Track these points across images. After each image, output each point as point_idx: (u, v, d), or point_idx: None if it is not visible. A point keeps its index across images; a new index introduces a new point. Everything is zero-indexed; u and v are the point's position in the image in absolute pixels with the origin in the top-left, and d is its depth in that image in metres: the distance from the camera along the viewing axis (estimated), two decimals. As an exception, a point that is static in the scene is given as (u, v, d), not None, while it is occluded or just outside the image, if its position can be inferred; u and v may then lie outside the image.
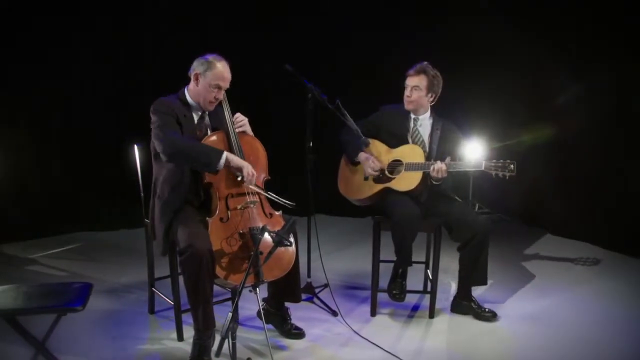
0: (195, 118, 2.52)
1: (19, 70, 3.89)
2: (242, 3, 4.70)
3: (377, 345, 2.59)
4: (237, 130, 2.52)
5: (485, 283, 2.95)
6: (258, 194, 2.49)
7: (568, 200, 4.43)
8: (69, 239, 4.18)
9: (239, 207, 2.40)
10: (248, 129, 2.60)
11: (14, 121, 3.87)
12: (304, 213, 3.22)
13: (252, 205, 2.43)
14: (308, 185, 3.07)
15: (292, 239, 2.43)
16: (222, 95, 2.49)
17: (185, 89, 2.52)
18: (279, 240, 2.18)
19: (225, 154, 2.31)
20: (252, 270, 2.14)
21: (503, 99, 4.80)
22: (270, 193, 2.46)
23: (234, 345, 2.09)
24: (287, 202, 2.41)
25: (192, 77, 2.47)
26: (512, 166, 2.68)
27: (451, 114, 4.79)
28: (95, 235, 4.32)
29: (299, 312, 2.94)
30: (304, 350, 2.57)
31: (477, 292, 3.26)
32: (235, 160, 2.34)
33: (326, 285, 3.36)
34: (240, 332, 2.73)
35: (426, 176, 2.83)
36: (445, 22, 4.65)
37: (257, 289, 2.28)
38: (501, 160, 2.71)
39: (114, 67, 4.30)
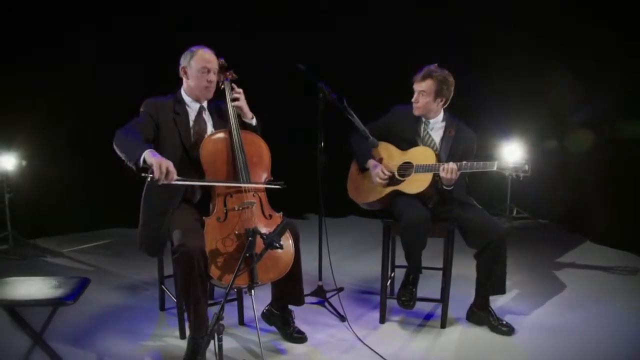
0: (192, 114, 2.54)
1: (46, 72, 4.05)
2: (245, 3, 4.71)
3: (378, 354, 2.49)
4: (231, 99, 2.53)
5: (503, 292, 2.77)
6: (258, 195, 2.46)
7: (611, 206, 4.12)
8: (102, 234, 4.37)
9: (236, 207, 2.39)
10: (243, 103, 2.58)
11: (50, 120, 4.03)
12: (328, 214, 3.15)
13: (250, 206, 2.41)
14: (319, 186, 3.02)
15: (289, 242, 2.41)
16: (214, 78, 2.50)
17: (181, 89, 2.55)
18: (269, 243, 2.15)
19: (145, 153, 2.15)
20: (240, 272, 2.12)
21: (547, 101, 4.58)
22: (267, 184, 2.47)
23: (220, 346, 2.07)
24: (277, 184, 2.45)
25: (182, 74, 2.51)
26: (526, 167, 2.49)
27: (492, 115, 4.68)
28: (127, 231, 4.47)
29: (307, 315, 2.91)
30: (302, 355, 2.52)
31: (500, 301, 3.10)
32: (150, 158, 2.14)
33: (341, 289, 3.31)
34: (243, 333, 2.74)
35: (436, 179, 2.70)
36: (484, 23, 4.52)
37: (253, 290, 2.27)
38: (515, 161, 2.53)
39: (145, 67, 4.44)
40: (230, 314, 2.88)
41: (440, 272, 3.14)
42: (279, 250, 2.34)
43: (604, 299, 3.16)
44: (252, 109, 2.67)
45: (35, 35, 3.94)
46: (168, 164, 2.14)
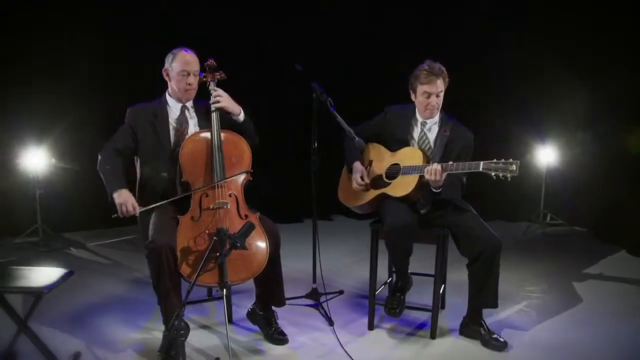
0: (174, 114, 2.60)
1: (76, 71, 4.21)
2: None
3: (354, 362, 2.43)
4: (214, 106, 2.54)
5: (495, 306, 2.60)
6: (234, 195, 2.48)
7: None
8: (127, 230, 4.56)
9: (211, 206, 2.42)
10: (226, 104, 2.57)
11: (79, 119, 4.19)
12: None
13: (224, 206, 2.43)
14: (312, 188, 3.00)
15: (264, 244, 2.41)
16: (194, 81, 2.54)
17: (167, 91, 2.62)
18: (232, 243, 2.16)
19: (116, 193, 2.39)
20: (202, 271, 2.16)
21: (584, 103, 4.30)
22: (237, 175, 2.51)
23: (182, 342, 2.12)
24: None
25: (165, 76, 2.57)
26: (513, 166, 2.30)
27: (526, 117, 4.45)
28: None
29: (297, 317, 2.91)
30: (278, 356, 2.50)
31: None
32: (115, 199, 2.39)
33: (341, 292, 3.27)
34: (229, 332, 2.75)
35: (424, 181, 2.57)
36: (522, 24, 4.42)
37: (224, 290, 2.29)
38: (502, 160, 2.35)
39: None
40: (221, 312, 2.93)
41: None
42: (252, 251, 2.36)
43: (623, 317, 2.88)
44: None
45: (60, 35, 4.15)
46: (127, 204, 2.36)
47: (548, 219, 4.61)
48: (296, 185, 4.23)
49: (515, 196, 4.80)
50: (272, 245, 2.45)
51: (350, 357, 2.46)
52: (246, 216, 2.47)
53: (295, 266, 3.52)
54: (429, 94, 2.61)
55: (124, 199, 2.37)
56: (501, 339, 2.56)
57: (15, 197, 3.96)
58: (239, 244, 2.16)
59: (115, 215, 2.38)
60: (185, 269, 2.30)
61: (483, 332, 2.59)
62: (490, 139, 4.75)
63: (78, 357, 2.41)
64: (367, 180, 2.71)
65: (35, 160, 3.88)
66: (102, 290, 3.27)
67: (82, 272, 3.58)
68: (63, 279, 2.27)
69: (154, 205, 2.41)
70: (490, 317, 2.84)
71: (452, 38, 4.52)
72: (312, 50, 4.35)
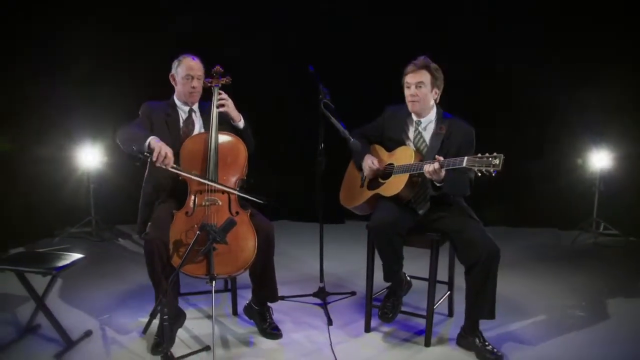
0: (183, 116, 2.75)
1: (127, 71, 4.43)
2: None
3: (336, 362, 2.43)
4: (217, 109, 2.66)
5: (492, 317, 2.45)
6: (227, 192, 2.59)
7: None
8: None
9: (203, 203, 2.55)
10: (229, 109, 2.69)
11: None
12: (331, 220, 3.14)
13: (217, 203, 2.55)
14: (318, 189, 3.02)
15: (253, 242, 2.48)
16: (198, 84, 2.67)
17: (174, 94, 2.78)
18: (213, 238, 2.26)
19: (150, 138, 2.46)
20: (186, 261, 2.30)
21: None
22: (238, 192, 2.59)
23: (165, 327, 2.27)
24: (258, 199, 2.54)
25: (171, 80, 2.72)
26: (497, 160, 2.18)
27: (581, 118, 4.13)
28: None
29: (299, 314, 2.97)
30: (265, 350, 2.57)
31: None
32: (154, 143, 2.44)
33: (353, 293, 3.26)
34: (230, 323, 2.87)
35: (415, 179, 2.50)
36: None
37: (214, 282, 2.41)
38: (486, 155, 2.22)
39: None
40: (229, 304, 3.05)
41: (446, 286, 2.92)
42: (242, 246, 2.46)
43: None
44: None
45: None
46: (167, 150, 2.45)
47: (601, 228, 4.22)
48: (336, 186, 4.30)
49: (569, 203, 4.45)
50: (261, 242, 2.52)
51: (335, 357, 2.47)
52: (237, 213, 2.57)
53: (317, 265, 3.56)
54: (409, 85, 2.58)
55: (163, 145, 2.43)
56: (497, 352, 2.42)
57: (73, 191, 4.39)
58: (218, 239, 2.26)
59: (150, 156, 2.39)
60: (175, 260, 2.44)
61: (478, 343, 2.46)
62: (540, 140, 4.47)
63: (88, 335, 2.66)
64: (379, 166, 2.67)
65: (90, 157, 4.30)
66: (128, 277, 3.52)
67: (119, 260, 3.91)
68: (72, 263, 2.54)
69: (183, 173, 2.52)
70: (498, 328, 2.71)
71: (510, 39, 4.33)
72: (325, 51, 4.33)
